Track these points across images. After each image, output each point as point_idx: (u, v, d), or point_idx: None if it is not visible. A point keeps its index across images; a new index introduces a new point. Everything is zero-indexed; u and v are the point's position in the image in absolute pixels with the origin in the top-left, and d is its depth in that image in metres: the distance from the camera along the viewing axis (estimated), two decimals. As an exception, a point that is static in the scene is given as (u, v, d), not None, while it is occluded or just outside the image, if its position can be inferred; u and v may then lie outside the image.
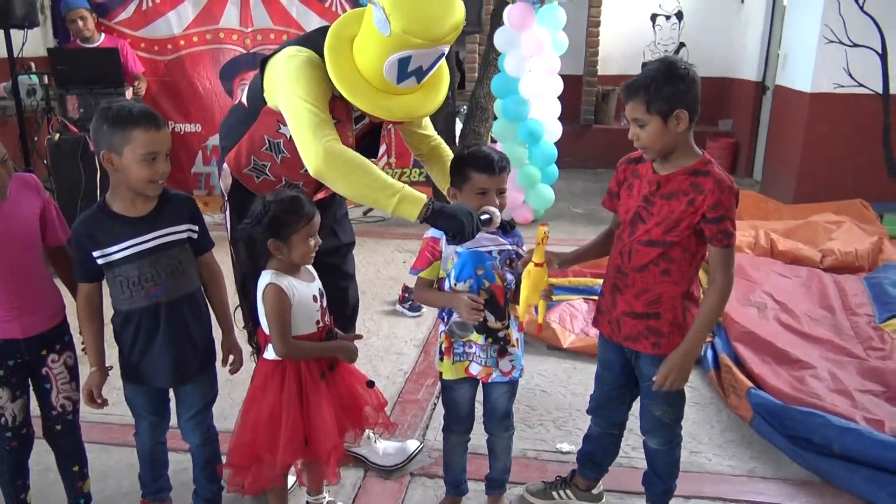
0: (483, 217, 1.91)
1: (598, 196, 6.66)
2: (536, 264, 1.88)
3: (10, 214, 1.84)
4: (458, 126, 6.30)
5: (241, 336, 2.10)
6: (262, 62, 2.08)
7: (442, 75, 2.07)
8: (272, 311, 1.85)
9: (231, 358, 2.07)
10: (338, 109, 2.02)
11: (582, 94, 7.87)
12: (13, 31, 4.25)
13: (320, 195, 2.23)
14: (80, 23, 4.58)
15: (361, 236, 5.20)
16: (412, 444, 2.51)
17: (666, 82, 1.73)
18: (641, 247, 1.87)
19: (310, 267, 1.98)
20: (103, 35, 4.70)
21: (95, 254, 1.84)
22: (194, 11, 4.91)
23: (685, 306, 1.88)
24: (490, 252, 1.97)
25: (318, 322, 1.93)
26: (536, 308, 1.95)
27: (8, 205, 1.84)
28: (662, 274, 1.86)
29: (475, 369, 2.01)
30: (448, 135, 5.83)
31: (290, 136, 2.04)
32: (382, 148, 5.26)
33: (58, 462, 2.09)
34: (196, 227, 1.95)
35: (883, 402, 2.76)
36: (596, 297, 3.61)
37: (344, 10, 5.15)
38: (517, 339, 2.03)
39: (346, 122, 2.08)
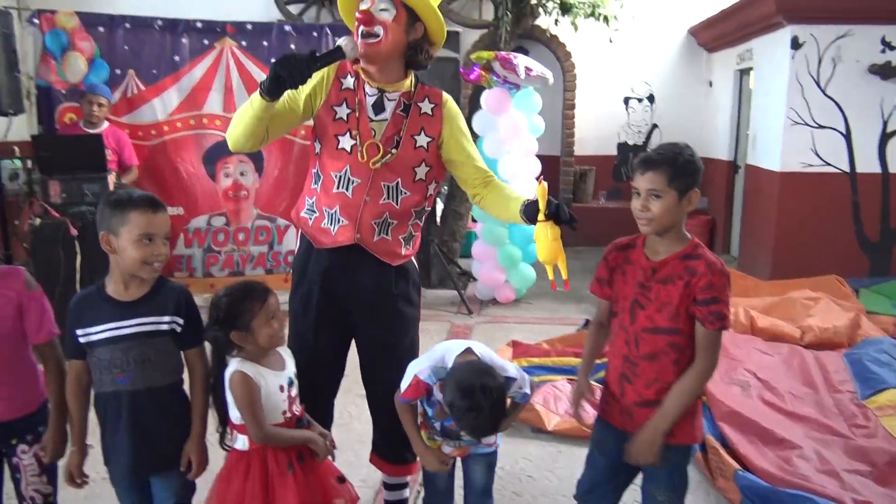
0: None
1: (578, 273, 6.69)
2: (546, 217, 1.95)
3: None
4: (440, 206, 6.39)
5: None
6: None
7: None
8: (241, 397, 1.83)
9: (191, 463, 1.93)
10: (350, 98, 2.11)
11: (560, 173, 8.05)
12: (-2, 119, 4.32)
13: (341, 239, 2.16)
14: (95, 108, 4.64)
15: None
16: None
17: (688, 162, 1.81)
18: (648, 335, 1.88)
19: (283, 352, 1.96)
20: (106, 123, 4.76)
21: (78, 332, 1.84)
22: (179, 98, 4.99)
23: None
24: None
25: (284, 412, 1.90)
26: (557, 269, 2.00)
27: None
28: (674, 364, 1.86)
29: (447, 449, 2.02)
30: (429, 215, 5.90)
31: (318, 150, 2.16)
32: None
33: None
34: (181, 321, 1.89)
35: (871, 482, 2.73)
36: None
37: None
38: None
39: (363, 113, 2.10)
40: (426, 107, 2.16)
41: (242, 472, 1.84)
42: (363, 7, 2.02)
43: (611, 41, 6.38)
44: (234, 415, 1.86)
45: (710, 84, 7.96)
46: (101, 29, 4.84)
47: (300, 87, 1.95)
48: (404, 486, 2.46)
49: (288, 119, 2.10)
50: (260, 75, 5.09)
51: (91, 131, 4.65)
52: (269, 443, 1.85)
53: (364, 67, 2.13)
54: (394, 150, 2.11)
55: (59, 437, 1.94)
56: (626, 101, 8.19)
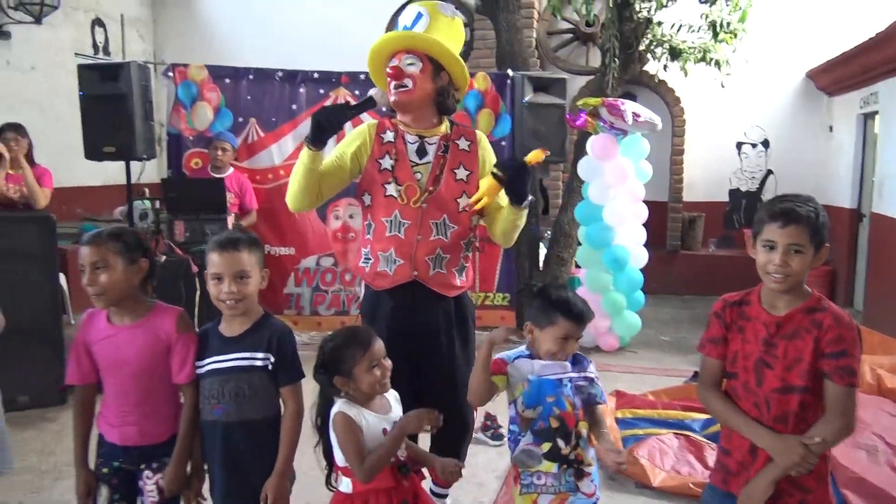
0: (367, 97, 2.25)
1: (686, 323, 6.48)
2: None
3: (132, 343, 1.97)
4: (542, 251, 6.36)
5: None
6: None
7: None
8: (344, 439, 1.85)
9: (269, 498, 1.94)
10: (391, 150, 2.37)
11: (668, 220, 7.84)
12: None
13: (399, 278, 2.36)
14: (220, 153, 4.96)
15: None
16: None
17: (824, 217, 1.74)
18: (778, 395, 1.77)
19: (389, 396, 1.98)
20: (231, 169, 5.06)
21: (196, 363, 1.96)
22: (294, 144, 5.25)
23: (826, 455, 1.78)
24: (560, 380, 1.96)
25: None
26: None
27: (136, 330, 1.97)
28: (807, 426, 1.76)
29: (545, 501, 1.93)
30: (532, 259, 5.88)
31: (368, 202, 2.40)
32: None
33: None
34: (273, 358, 1.94)
35: None
36: (687, 433, 3.49)
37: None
38: (592, 458, 1.98)
39: (403, 160, 2.36)
40: (463, 144, 2.41)
41: None
42: (393, 64, 2.31)
43: (722, 86, 6.21)
44: (339, 456, 1.89)
45: (831, 129, 7.59)
46: (227, 80, 5.18)
47: (347, 151, 2.34)
48: (447, 494, 2.71)
49: (338, 176, 2.38)
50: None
51: (216, 176, 4.95)
52: (375, 473, 1.84)
53: (401, 119, 2.41)
54: (432, 189, 2.35)
55: (179, 472, 2.01)
56: (739, 146, 7.93)
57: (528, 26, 7.36)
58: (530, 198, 2.26)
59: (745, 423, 1.82)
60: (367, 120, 2.44)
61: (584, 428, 1.97)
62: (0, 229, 4.10)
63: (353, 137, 2.41)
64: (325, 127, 2.19)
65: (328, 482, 2.00)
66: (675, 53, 6.13)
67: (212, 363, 1.95)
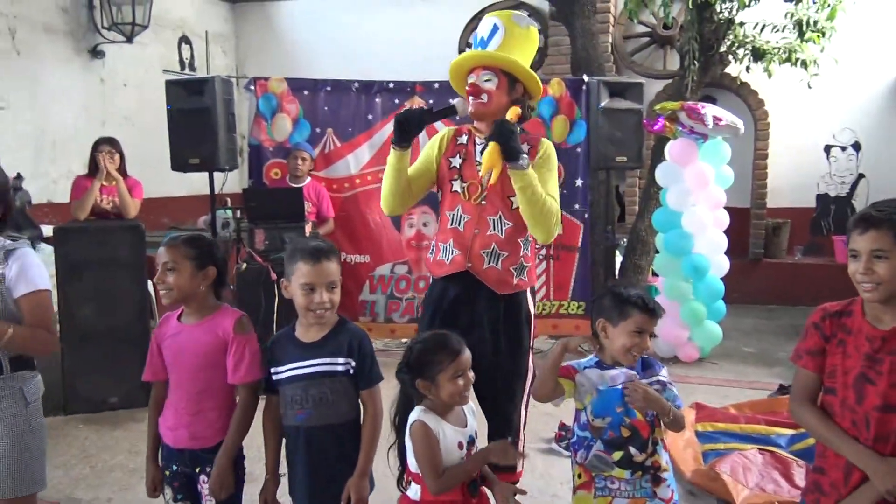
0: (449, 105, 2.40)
1: (770, 334, 6.23)
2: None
3: (193, 339, 2.05)
4: (619, 259, 6.24)
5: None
6: None
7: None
8: (420, 448, 1.85)
9: (351, 498, 1.97)
10: (461, 151, 2.52)
11: (750, 227, 7.57)
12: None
13: (454, 268, 2.47)
14: (300, 162, 5.10)
15: (518, 368, 5.18)
16: None
17: None
18: (879, 414, 1.67)
19: (467, 409, 1.97)
20: (309, 178, 5.19)
21: (272, 370, 2.00)
22: (370, 153, 5.33)
23: None
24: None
25: None
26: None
27: (198, 329, 2.05)
28: None
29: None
30: (607, 268, 5.78)
31: (440, 197, 2.60)
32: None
33: None
34: (354, 363, 1.98)
35: None
36: (772, 449, 3.34)
37: (507, 150, 5.39)
38: (667, 462, 1.95)
39: (470, 159, 2.50)
40: (525, 148, 2.43)
41: None
42: (471, 80, 2.44)
43: (809, 87, 5.96)
44: (412, 463, 1.89)
45: (929, 130, 7.17)
46: (305, 92, 5.32)
47: (432, 153, 2.52)
48: None
49: (426, 176, 2.56)
50: (441, 128, 5.31)
51: (295, 185, 5.08)
52: (448, 489, 1.84)
53: (476, 126, 2.53)
54: (473, 181, 2.47)
55: (222, 474, 2.03)
56: (828, 149, 7.58)
57: (603, 31, 7.26)
58: (524, 156, 2.32)
59: (843, 440, 1.73)
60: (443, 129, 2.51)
61: (660, 435, 1.94)
62: (95, 238, 4.33)
63: (436, 140, 2.60)
64: (407, 128, 2.38)
65: (399, 483, 2.02)
66: (758, 54, 5.93)
67: (292, 369, 1.98)
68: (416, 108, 2.41)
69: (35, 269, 2.06)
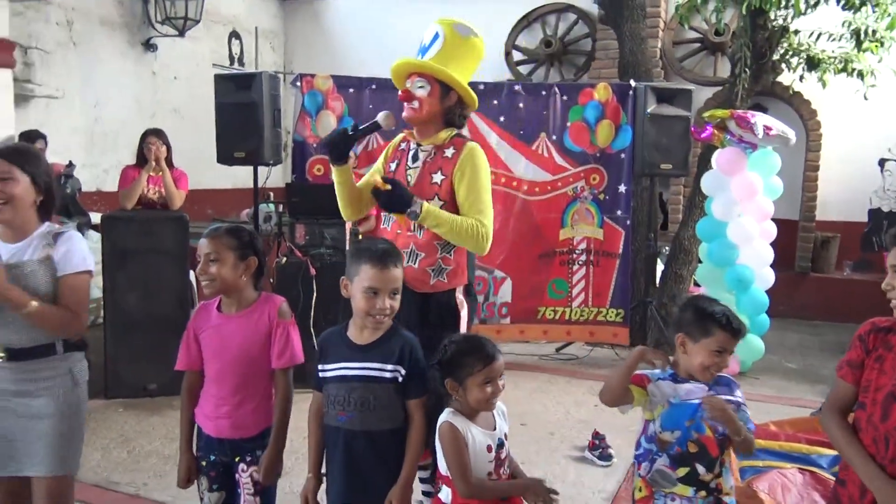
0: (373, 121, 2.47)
1: (815, 351, 6.07)
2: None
3: (237, 330, 2.07)
4: (660, 267, 6.15)
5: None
6: None
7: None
8: (448, 449, 1.83)
9: None
10: (399, 156, 2.64)
11: (798, 239, 7.39)
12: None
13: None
14: None
15: (553, 374, 5.14)
16: None
17: None
18: None
19: (496, 412, 1.95)
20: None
21: (319, 366, 2.01)
22: (413, 153, 5.35)
23: None
24: (701, 404, 1.86)
25: (490, 474, 1.87)
26: None
27: (241, 318, 2.07)
28: None
29: None
30: (648, 276, 5.70)
31: None
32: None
33: None
34: (403, 371, 1.95)
35: None
36: (813, 469, 3.25)
37: (550, 154, 5.35)
38: (731, 488, 1.89)
39: (402, 163, 2.61)
40: (449, 152, 2.53)
41: None
42: (406, 86, 2.52)
43: (865, 98, 5.78)
44: (442, 465, 1.87)
45: None
46: (350, 90, 5.34)
47: (381, 160, 2.67)
48: None
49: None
50: (488, 132, 5.30)
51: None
52: (477, 496, 1.82)
53: (412, 131, 2.62)
54: (408, 186, 2.53)
55: (274, 460, 2.07)
56: (882, 162, 7.35)
57: (653, 35, 7.16)
58: (412, 209, 2.38)
59: (859, 457, 1.70)
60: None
61: (728, 457, 1.89)
62: (141, 228, 4.42)
63: (387, 148, 2.74)
64: (336, 150, 2.50)
65: (431, 478, 1.99)
66: (813, 63, 5.77)
67: (339, 369, 1.97)
68: (340, 128, 2.54)
69: (80, 252, 2.13)
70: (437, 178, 2.52)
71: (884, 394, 1.67)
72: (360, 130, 2.52)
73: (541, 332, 5.54)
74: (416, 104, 2.48)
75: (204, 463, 2.13)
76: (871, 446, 1.69)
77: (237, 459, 2.10)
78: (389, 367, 1.94)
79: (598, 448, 3.65)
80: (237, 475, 2.10)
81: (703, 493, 1.85)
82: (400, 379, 1.95)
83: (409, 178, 2.56)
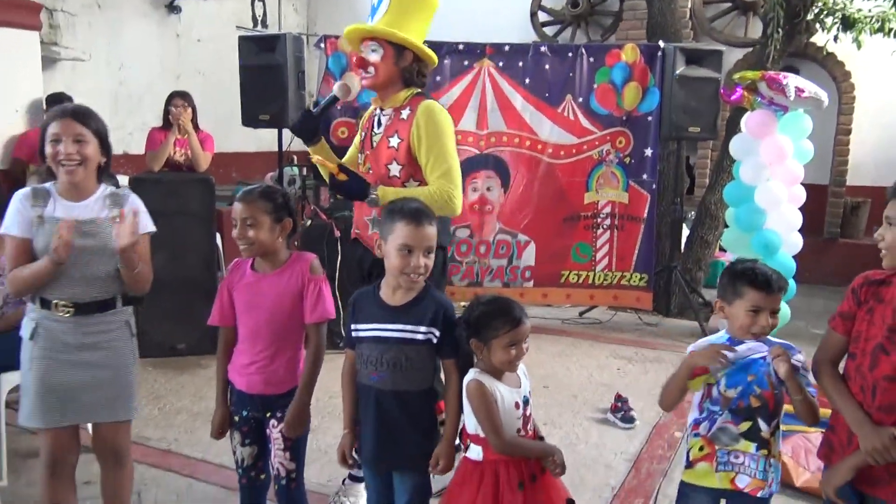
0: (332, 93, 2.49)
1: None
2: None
3: (271, 288, 2.11)
4: (685, 232, 6.10)
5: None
6: None
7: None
8: (478, 406, 1.86)
9: (439, 464, 2.00)
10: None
11: (827, 205, 7.27)
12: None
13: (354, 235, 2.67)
14: None
15: (577, 338, 5.16)
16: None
17: None
18: (887, 383, 1.69)
19: (520, 371, 1.96)
20: None
21: (352, 326, 2.03)
22: (437, 114, 5.31)
23: None
24: (763, 358, 1.87)
25: (518, 430, 1.90)
26: None
27: (275, 276, 2.12)
28: None
29: (743, 482, 1.87)
30: (673, 240, 5.65)
31: None
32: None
33: None
34: (437, 332, 1.97)
35: None
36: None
37: (575, 117, 5.29)
38: (779, 452, 1.91)
39: (370, 131, 2.61)
40: (405, 114, 2.49)
41: (475, 483, 1.87)
42: (360, 54, 2.50)
43: (902, 59, 5.64)
44: (470, 423, 1.90)
45: None
46: (374, 51, 5.30)
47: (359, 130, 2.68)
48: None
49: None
50: (513, 94, 5.24)
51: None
52: (510, 452, 1.85)
53: (376, 98, 2.61)
54: (368, 153, 2.57)
55: (300, 414, 2.12)
56: (917, 126, 7.18)
57: (682, -5, 7.01)
58: (371, 195, 2.39)
59: (846, 402, 1.77)
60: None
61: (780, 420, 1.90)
62: (168, 190, 4.45)
63: (362, 120, 2.72)
64: (305, 132, 2.54)
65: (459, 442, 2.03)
66: (848, 23, 5.62)
67: (373, 330, 1.99)
68: (302, 111, 2.59)
69: (145, 213, 2.28)
70: (394, 141, 2.48)
71: (873, 344, 1.73)
72: (321, 106, 2.55)
73: (564, 295, 5.54)
74: (371, 70, 2.46)
75: (237, 418, 2.18)
76: (858, 394, 1.76)
77: (268, 415, 2.14)
78: (423, 328, 1.96)
79: (621, 411, 3.67)
80: (268, 430, 2.15)
81: (764, 451, 1.86)
82: (434, 340, 1.97)
83: (374, 145, 2.55)
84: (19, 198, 2.15)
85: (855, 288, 1.84)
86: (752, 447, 1.86)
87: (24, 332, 2.19)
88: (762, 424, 1.86)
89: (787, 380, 1.79)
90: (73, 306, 2.14)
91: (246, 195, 2.12)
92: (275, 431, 2.13)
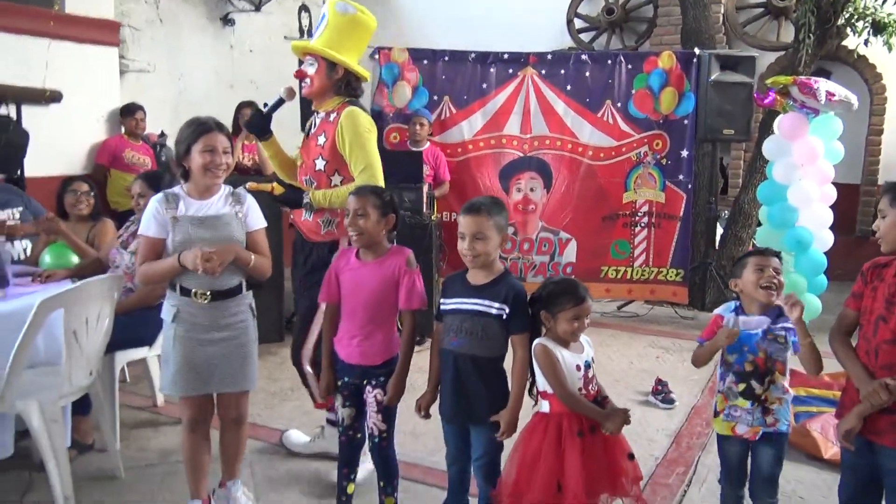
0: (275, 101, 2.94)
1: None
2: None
3: (370, 275, 2.46)
4: (719, 231, 6.33)
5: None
6: None
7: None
8: (544, 366, 2.19)
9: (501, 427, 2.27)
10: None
11: (859, 203, 7.45)
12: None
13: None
14: (419, 128, 5.43)
15: (616, 330, 5.45)
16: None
17: None
18: (888, 346, 2.04)
19: (583, 339, 2.28)
20: (428, 143, 5.54)
21: (441, 300, 2.39)
22: (483, 120, 5.64)
23: None
24: (758, 333, 2.28)
25: (580, 389, 2.21)
26: None
27: (375, 265, 2.46)
28: None
29: (741, 429, 2.31)
30: (708, 238, 5.90)
31: None
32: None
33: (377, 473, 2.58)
34: (508, 310, 2.26)
35: None
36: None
37: (614, 121, 5.59)
38: (782, 399, 2.29)
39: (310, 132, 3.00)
40: (332, 117, 2.89)
41: (541, 431, 2.20)
42: (302, 67, 2.94)
43: (931, 61, 5.83)
44: (540, 381, 2.23)
45: None
46: (425, 62, 5.66)
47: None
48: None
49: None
50: (555, 100, 5.56)
51: (415, 149, 5.45)
52: (573, 405, 2.16)
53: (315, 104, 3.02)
54: (302, 147, 3.00)
55: (399, 386, 2.46)
56: (948, 126, 7.33)
57: (715, 1, 7.23)
58: (305, 202, 2.85)
59: (853, 364, 2.12)
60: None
61: (779, 378, 2.27)
62: (237, 191, 4.82)
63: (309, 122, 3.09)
64: (257, 130, 3.00)
65: (530, 393, 2.34)
66: (878, 27, 5.83)
67: (456, 303, 2.33)
68: (254, 112, 3.03)
69: (259, 210, 2.65)
70: (321, 140, 2.89)
71: (875, 315, 2.08)
72: (271, 108, 2.97)
73: (603, 290, 5.84)
74: (308, 81, 2.91)
75: (339, 383, 2.54)
76: (864, 357, 2.11)
77: (365, 382, 2.49)
78: (496, 304, 2.27)
79: (661, 393, 3.96)
80: (365, 395, 2.50)
81: (757, 404, 2.28)
82: (505, 316, 2.28)
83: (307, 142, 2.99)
84: (154, 203, 2.51)
85: (864, 271, 2.19)
86: (747, 404, 2.28)
87: (166, 315, 2.55)
88: (755, 385, 2.27)
89: (797, 324, 2.17)
90: (211, 294, 2.50)
91: (359, 190, 2.48)
92: (370, 397, 2.48)
